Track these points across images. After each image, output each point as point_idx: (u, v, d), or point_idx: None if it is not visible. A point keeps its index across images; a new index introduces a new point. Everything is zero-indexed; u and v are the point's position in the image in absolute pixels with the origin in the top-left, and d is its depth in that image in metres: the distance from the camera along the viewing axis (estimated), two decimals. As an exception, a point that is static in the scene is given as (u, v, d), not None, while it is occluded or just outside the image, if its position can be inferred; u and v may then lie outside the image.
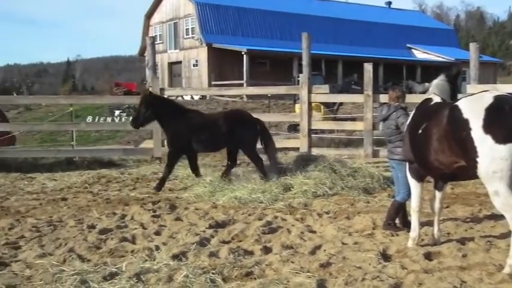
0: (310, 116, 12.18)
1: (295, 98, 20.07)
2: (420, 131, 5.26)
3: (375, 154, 11.55)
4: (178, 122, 9.56)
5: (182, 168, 11.32)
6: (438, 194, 5.79)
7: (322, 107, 16.97)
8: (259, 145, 9.99)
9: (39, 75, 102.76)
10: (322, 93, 12.72)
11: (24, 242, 6.14)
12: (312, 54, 12.56)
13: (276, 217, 7.14)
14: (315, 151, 11.79)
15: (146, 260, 5.18)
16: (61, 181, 10.28)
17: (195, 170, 9.97)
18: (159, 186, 9.33)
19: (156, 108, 9.41)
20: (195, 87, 40.00)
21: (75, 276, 4.65)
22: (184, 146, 9.62)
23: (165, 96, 12.22)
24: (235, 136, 9.56)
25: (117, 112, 26.06)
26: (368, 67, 11.74)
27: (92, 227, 6.80)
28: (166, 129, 9.83)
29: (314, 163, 9.67)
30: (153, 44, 13.72)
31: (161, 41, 44.90)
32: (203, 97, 34.81)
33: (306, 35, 12.53)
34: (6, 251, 5.77)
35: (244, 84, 35.61)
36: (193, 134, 9.50)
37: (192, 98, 34.54)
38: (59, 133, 20.37)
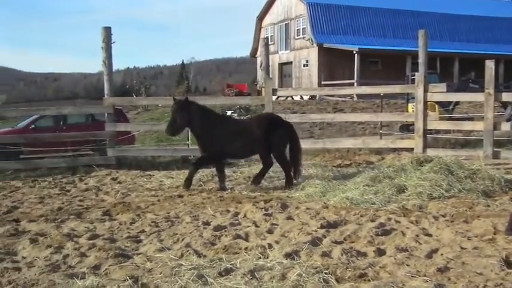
0: (425, 115, 11.77)
1: (407, 97, 19.50)
2: None
3: (496, 155, 10.97)
4: (211, 129, 9.51)
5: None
6: None
7: (437, 106, 16.36)
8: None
9: (156, 78, 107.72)
10: (439, 92, 12.25)
11: (145, 236, 6.43)
12: (427, 52, 12.16)
13: (389, 219, 6.95)
14: (430, 152, 11.38)
15: (260, 258, 5.24)
16: (177, 179, 10.65)
17: (222, 172, 9.80)
18: (187, 184, 9.48)
19: (188, 116, 9.37)
20: (305, 87, 40.09)
21: (192, 271, 4.81)
22: (218, 153, 9.59)
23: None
24: (267, 141, 9.56)
25: (228, 113, 26.66)
26: (490, 64, 11.17)
27: (207, 223, 6.99)
28: (198, 136, 9.71)
29: (429, 164, 9.32)
30: (266, 45, 13.89)
31: (272, 42, 45.40)
32: (313, 97, 34.79)
33: (422, 32, 12.15)
34: (129, 244, 6.09)
35: (355, 84, 35.18)
36: (226, 140, 9.51)
37: (301, 98, 34.62)
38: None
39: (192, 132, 10.02)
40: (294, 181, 9.74)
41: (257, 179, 9.83)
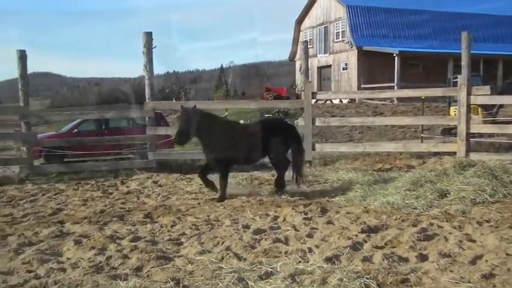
0: (468, 119, 11.55)
1: (449, 101, 19.18)
2: None
3: (542, 160, 10.65)
4: (217, 136, 9.24)
5: (332, 172, 11.34)
6: None
7: (479, 109, 16.03)
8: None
9: (195, 82, 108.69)
10: (482, 95, 12.00)
11: (185, 239, 6.49)
12: (470, 54, 11.94)
13: (431, 224, 6.83)
14: (473, 156, 11.16)
15: (300, 262, 5.22)
16: (216, 182, 10.71)
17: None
18: (223, 198, 9.11)
19: (194, 124, 9.03)
20: (344, 90, 39.85)
21: (232, 274, 4.83)
22: (226, 159, 9.30)
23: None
24: (270, 145, 9.32)
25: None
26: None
27: (247, 227, 7.01)
28: (204, 144, 9.41)
29: (473, 168, 9.13)
30: (306, 49, 13.87)
31: (311, 46, 45.29)
32: (352, 100, 34.55)
33: (465, 34, 11.94)
34: (170, 246, 6.15)
35: (395, 87, 34.78)
36: (232, 147, 9.27)
37: (340, 101, 34.42)
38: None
39: (199, 141, 9.46)
40: (297, 187, 9.56)
41: (278, 182, 9.60)
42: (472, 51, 12.20)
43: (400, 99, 31.71)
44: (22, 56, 12.68)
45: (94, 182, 11.62)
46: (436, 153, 13.09)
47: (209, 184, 9.49)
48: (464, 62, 11.87)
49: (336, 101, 34.54)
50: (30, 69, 13.18)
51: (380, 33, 41.87)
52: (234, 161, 9.63)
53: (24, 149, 12.98)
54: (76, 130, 18.82)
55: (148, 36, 13.09)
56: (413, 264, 5.24)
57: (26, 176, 12.27)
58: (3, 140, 22.36)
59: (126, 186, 11.00)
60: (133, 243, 6.27)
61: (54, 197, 10.04)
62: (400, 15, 42.43)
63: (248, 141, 9.37)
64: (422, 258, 5.43)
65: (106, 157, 14.87)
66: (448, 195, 8.29)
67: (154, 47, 13.21)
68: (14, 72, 13.03)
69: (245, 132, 9.62)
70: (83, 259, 5.71)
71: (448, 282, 4.60)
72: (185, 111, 9.22)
